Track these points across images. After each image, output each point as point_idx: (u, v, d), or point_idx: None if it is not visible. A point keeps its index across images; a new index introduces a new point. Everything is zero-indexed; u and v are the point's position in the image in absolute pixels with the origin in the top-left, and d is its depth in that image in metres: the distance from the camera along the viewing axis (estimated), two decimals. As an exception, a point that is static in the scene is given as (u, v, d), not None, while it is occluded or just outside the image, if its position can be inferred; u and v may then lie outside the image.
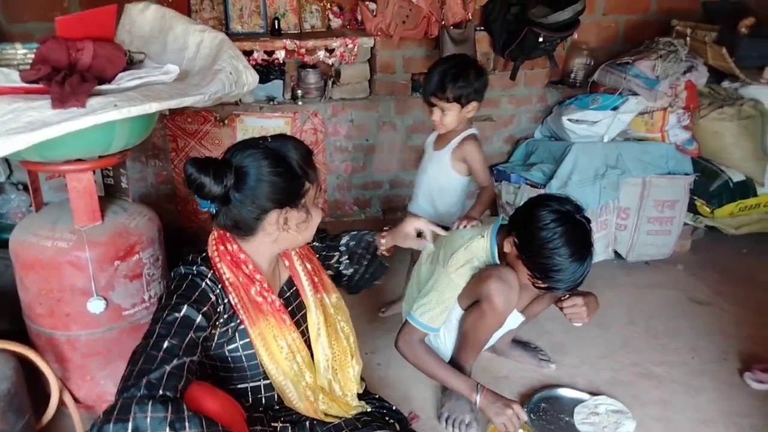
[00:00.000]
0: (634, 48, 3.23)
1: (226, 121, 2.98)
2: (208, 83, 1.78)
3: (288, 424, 1.42)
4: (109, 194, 2.04)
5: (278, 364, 1.38)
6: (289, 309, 1.44)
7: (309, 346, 1.46)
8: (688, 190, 3.03)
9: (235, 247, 1.36)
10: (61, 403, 1.77)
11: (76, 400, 1.79)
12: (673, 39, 3.12)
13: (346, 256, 1.69)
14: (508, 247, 1.77)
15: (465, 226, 2.00)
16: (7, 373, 1.59)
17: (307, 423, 1.44)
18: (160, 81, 1.74)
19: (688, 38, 3.15)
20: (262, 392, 1.43)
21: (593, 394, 2.09)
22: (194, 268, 1.32)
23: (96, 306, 1.73)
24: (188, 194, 3.05)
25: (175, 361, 1.13)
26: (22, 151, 1.48)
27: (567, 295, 1.85)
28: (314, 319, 1.47)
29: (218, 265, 1.34)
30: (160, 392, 1.07)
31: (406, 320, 1.95)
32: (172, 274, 1.34)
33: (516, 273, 1.78)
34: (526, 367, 2.25)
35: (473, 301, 1.87)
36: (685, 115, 3.05)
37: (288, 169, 1.30)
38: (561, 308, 1.86)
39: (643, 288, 2.89)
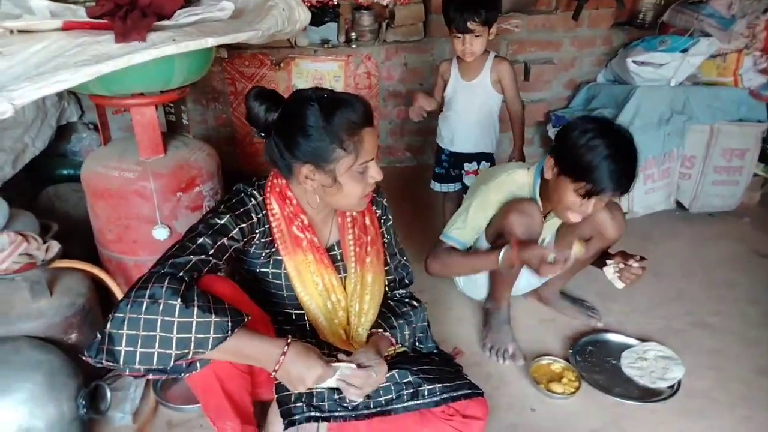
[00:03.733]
0: (709, -15, 3.01)
1: (281, 65, 3.02)
2: (261, 19, 1.81)
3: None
4: (171, 131, 2.14)
5: (312, 297, 1.47)
6: (335, 264, 1.50)
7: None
8: (761, 139, 2.86)
9: (283, 182, 1.43)
10: (131, 323, 1.92)
11: (143, 320, 1.94)
12: (754, -27, 2.88)
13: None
14: (548, 172, 1.77)
15: None
16: (82, 290, 1.74)
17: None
18: (216, 18, 1.78)
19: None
20: (299, 320, 1.52)
21: (642, 340, 2.06)
22: (249, 189, 1.41)
23: (161, 233, 1.84)
24: (246, 134, 3.14)
25: (203, 256, 1.24)
26: (89, 84, 1.57)
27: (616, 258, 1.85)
28: (351, 284, 1.52)
29: (268, 194, 1.42)
30: (180, 274, 1.18)
31: (439, 239, 2.00)
32: (233, 187, 1.44)
33: (553, 196, 1.77)
34: (573, 315, 2.24)
35: (498, 235, 1.89)
36: (763, 58, 2.84)
37: (324, 130, 1.29)
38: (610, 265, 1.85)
39: (705, 240, 2.79)
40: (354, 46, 3.06)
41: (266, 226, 1.41)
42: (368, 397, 1.42)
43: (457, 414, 1.48)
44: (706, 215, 2.99)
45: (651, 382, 1.88)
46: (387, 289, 1.63)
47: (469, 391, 1.49)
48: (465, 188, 2.55)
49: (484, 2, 2.17)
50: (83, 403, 1.55)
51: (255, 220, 1.38)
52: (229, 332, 1.15)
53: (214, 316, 1.14)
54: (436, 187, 2.62)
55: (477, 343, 2.07)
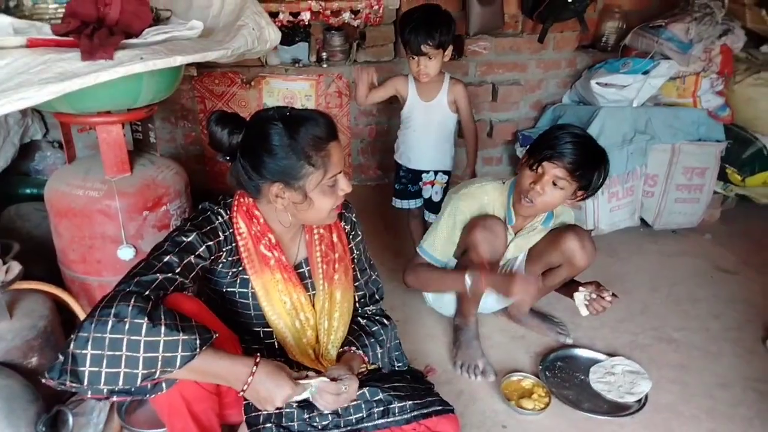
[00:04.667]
0: (668, 11, 3.13)
1: (252, 83, 3.02)
2: (231, 38, 1.81)
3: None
4: (138, 149, 2.11)
5: (280, 316, 1.46)
6: (303, 282, 1.49)
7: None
8: (719, 158, 2.97)
9: (250, 200, 1.42)
10: (94, 345, 1.87)
11: (107, 343, 1.89)
12: (709, 1, 3.00)
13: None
14: (519, 169, 1.86)
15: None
16: (44, 312, 1.69)
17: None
18: (185, 36, 1.78)
19: (725, 0, 3.04)
20: (267, 339, 1.51)
21: (610, 355, 2.10)
22: (216, 207, 1.41)
23: (126, 253, 1.81)
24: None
25: (169, 274, 1.23)
26: (54, 102, 1.55)
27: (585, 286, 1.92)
28: (320, 302, 1.52)
29: (234, 213, 1.41)
30: (146, 292, 1.17)
31: (415, 251, 2.05)
32: (199, 206, 1.44)
33: (522, 188, 1.82)
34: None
35: (463, 250, 1.93)
36: (719, 81, 2.96)
37: (290, 148, 1.29)
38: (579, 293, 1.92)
39: (669, 256, 2.86)
40: (325, 65, 3.09)
41: (233, 244, 1.40)
42: (338, 415, 1.41)
43: (428, 431, 1.48)
44: (669, 232, 3.07)
45: (619, 396, 1.91)
46: (357, 305, 1.63)
47: (440, 407, 1.50)
48: (426, 202, 2.58)
49: (438, 26, 2.21)
50: (43, 429, 1.49)
51: (222, 237, 1.37)
52: (198, 350, 1.14)
53: (181, 334, 1.13)
54: (397, 203, 2.66)
55: (448, 360, 2.07)
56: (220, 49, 1.74)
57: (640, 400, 1.89)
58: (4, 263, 1.66)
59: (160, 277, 1.21)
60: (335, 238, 1.55)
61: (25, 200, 2.49)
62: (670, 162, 2.93)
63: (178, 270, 1.25)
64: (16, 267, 1.65)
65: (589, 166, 1.75)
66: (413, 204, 2.63)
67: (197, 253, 1.30)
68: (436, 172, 2.54)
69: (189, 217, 1.40)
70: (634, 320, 2.35)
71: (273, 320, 1.46)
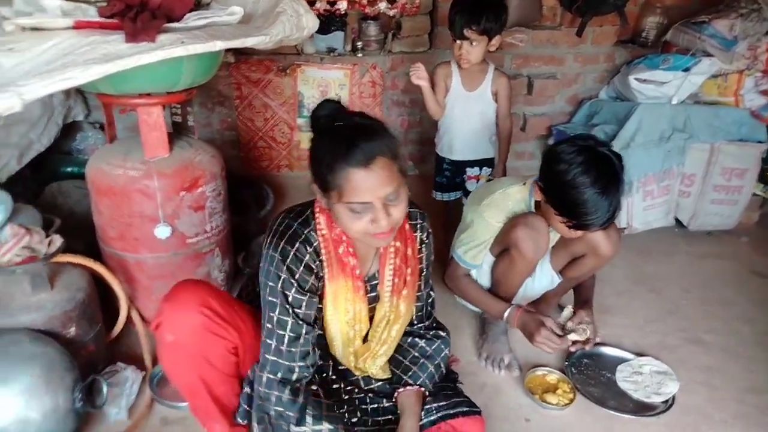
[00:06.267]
0: (711, 6, 3.05)
1: (287, 71, 3.05)
2: (270, 25, 1.83)
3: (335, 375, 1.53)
4: (177, 132, 2.16)
5: (339, 322, 1.42)
6: (368, 294, 1.45)
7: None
8: (760, 159, 2.88)
9: None
10: (129, 321, 1.93)
11: (142, 318, 1.95)
12: (757, -3, 2.92)
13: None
14: (537, 195, 1.77)
15: None
16: (82, 285, 1.76)
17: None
18: (225, 22, 1.81)
19: (775, -4, 2.94)
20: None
21: (638, 355, 2.07)
22: (304, 230, 1.34)
23: (162, 232, 1.86)
24: (251, 139, 3.17)
25: (304, 347, 1.36)
26: (98, 83, 1.60)
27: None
28: (381, 312, 1.48)
29: (317, 216, 1.36)
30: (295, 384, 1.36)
31: (451, 256, 2.02)
32: (280, 223, 1.36)
33: (545, 218, 1.78)
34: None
35: (503, 248, 1.89)
36: (764, 79, 2.86)
37: (322, 156, 1.22)
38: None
39: (702, 258, 2.81)
40: (360, 55, 3.10)
41: (321, 258, 1.36)
42: (367, 414, 1.48)
43: (453, 430, 1.49)
44: (704, 233, 3.00)
45: (645, 396, 1.89)
46: (414, 319, 1.59)
47: (467, 409, 1.51)
48: (467, 193, 2.56)
49: (486, 11, 2.17)
50: (79, 396, 1.55)
51: (315, 270, 1.34)
52: None
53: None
54: (438, 196, 2.63)
55: (473, 352, 2.08)
56: (259, 35, 1.76)
57: (667, 401, 1.87)
58: (47, 237, 1.72)
59: (298, 363, 1.34)
60: (410, 252, 1.47)
61: (66, 178, 2.58)
62: (708, 162, 2.86)
63: (306, 332, 1.34)
64: (57, 240, 1.71)
65: (617, 212, 1.66)
66: (453, 196, 2.62)
67: (307, 301, 1.33)
68: (481, 167, 2.52)
69: (280, 252, 1.30)
70: (664, 321, 2.31)
71: (330, 323, 1.43)
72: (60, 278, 1.74)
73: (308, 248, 1.32)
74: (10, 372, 1.46)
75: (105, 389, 1.64)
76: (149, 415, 1.72)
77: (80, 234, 2.03)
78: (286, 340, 1.31)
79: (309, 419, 1.31)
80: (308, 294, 1.33)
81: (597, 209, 1.60)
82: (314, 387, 1.39)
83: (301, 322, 1.32)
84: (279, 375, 1.32)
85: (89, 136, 2.83)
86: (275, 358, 1.32)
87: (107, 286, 1.85)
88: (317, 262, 1.34)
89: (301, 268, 1.31)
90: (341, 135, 1.21)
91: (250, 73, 3.06)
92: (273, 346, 1.32)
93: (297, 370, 1.33)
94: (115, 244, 1.94)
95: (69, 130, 2.79)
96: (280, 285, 1.30)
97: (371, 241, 1.31)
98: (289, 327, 1.31)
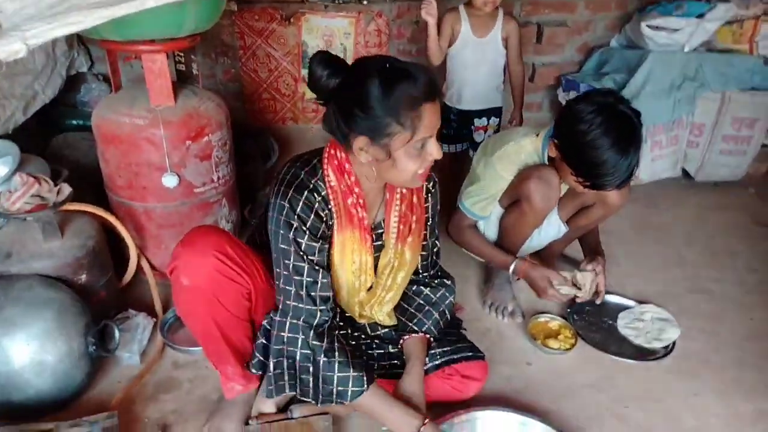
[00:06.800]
0: (730, -51, 2.94)
1: (291, 20, 2.98)
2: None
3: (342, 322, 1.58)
4: (181, 81, 2.14)
5: (346, 272, 1.45)
6: (374, 243, 1.46)
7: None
8: (772, 109, 2.84)
9: (343, 155, 1.35)
10: (139, 269, 1.96)
11: (152, 266, 1.98)
12: (777, -62, 2.81)
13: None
14: (552, 151, 1.74)
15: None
16: (92, 233, 1.78)
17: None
18: (228, -36, 1.77)
19: (795, -62, 2.83)
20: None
21: (641, 302, 2.10)
22: (312, 180, 1.34)
23: (170, 180, 1.87)
24: (255, 90, 3.14)
25: (318, 291, 1.38)
26: (102, 29, 1.58)
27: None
28: (386, 259, 1.49)
29: (326, 167, 1.35)
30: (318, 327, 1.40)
31: (457, 207, 2.01)
32: (287, 172, 1.36)
33: (559, 174, 1.77)
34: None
35: (513, 200, 1.89)
36: (781, 25, 2.79)
37: (382, 104, 1.19)
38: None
39: (709, 209, 2.81)
40: (365, 2, 3.02)
41: (330, 207, 1.36)
42: (374, 359, 1.53)
43: (457, 374, 1.55)
44: (710, 184, 2.99)
45: (646, 342, 1.92)
46: (419, 267, 1.61)
47: (470, 353, 1.56)
48: (473, 145, 2.54)
49: None
50: (92, 340, 1.60)
51: (324, 218, 1.35)
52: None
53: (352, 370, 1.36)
54: (444, 148, 2.61)
55: (478, 300, 2.11)
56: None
57: (667, 347, 1.90)
58: (56, 186, 1.73)
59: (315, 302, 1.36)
60: (415, 200, 1.48)
61: (71, 130, 2.58)
62: (718, 111, 2.82)
63: (321, 277, 1.36)
64: (66, 189, 1.73)
65: (635, 171, 1.68)
66: (459, 147, 2.60)
67: (319, 248, 1.35)
68: (489, 117, 2.50)
69: (289, 201, 1.31)
70: (669, 270, 2.33)
71: (336, 273, 1.44)
72: (70, 226, 1.76)
73: (317, 197, 1.33)
74: (25, 316, 1.50)
75: (117, 334, 1.68)
76: (161, 359, 1.77)
77: (87, 186, 2.04)
78: (304, 285, 1.34)
79: (336, 365, 1.34)
80: (320, 241, 1.35)
81: (616, 170, 1.59)
82: (337, 332, 1.42)
83: (317, 267, 1.35)
84: (302, 319, 1.35)
85: (93, 87, 2.81)
86: (296, 303, 1.35)
87: (117, 236, 1.88)
88: (326, 211, 1.35)
89: (312, 216, 1.32)
90: (403, 74, 1.19)
91: (253, 22, 3.00)
92: (293, 292, 1.34)
93: (318, 314, 1.36)
94: (123, 193, 1.96)
95: (73, 82, 2.77)
96: (292, 233, 1.31)
97: (415, 182, 1.33)
98: (305, 272, 1.33)
